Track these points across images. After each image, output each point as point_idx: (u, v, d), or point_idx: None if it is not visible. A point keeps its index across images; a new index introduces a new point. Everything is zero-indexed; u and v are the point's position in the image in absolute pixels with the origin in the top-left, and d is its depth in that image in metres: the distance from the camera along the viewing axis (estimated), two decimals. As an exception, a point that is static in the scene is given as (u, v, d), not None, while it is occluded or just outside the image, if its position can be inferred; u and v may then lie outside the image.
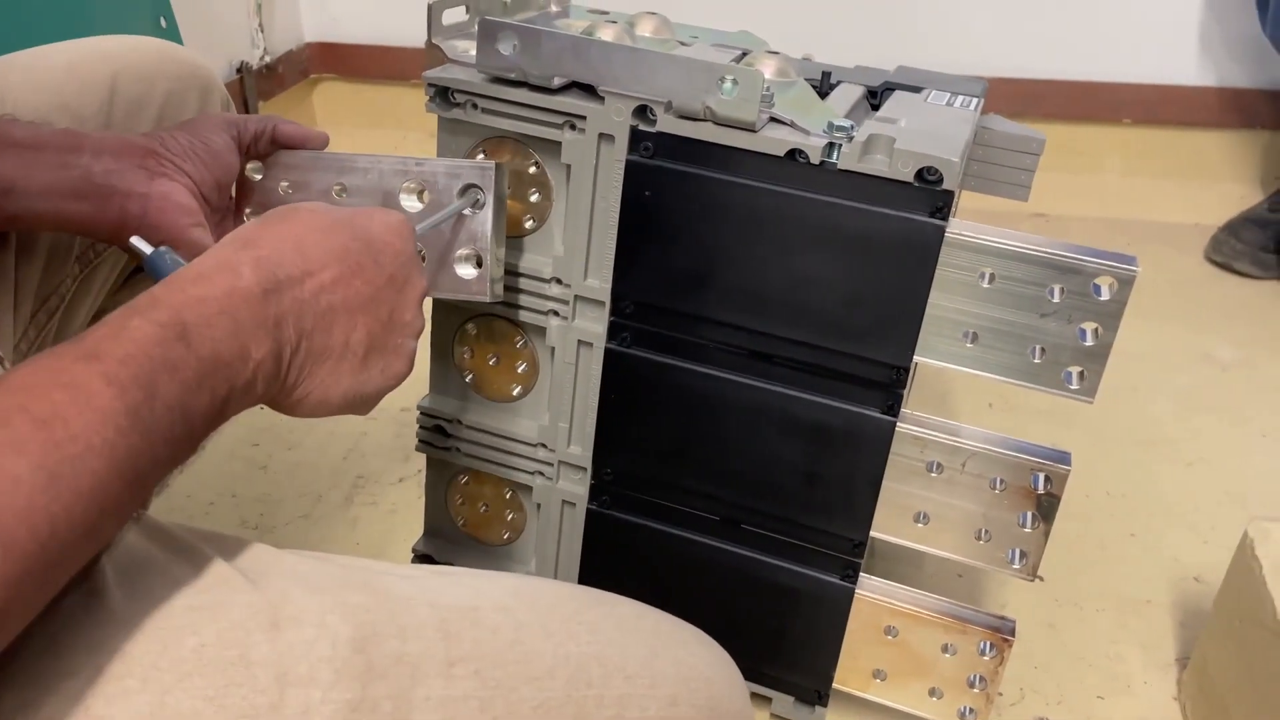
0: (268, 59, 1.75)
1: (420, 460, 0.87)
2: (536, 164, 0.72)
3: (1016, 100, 1.74)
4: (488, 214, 0.66)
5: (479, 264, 0.68)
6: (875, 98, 0.79)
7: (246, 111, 1.61)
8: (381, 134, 1.87)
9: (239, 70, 1.67)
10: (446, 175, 0.66)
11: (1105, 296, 0.62)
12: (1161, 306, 1.49)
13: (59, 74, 0.69)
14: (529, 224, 0.74)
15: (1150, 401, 1.28)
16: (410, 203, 0.67)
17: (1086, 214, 1.75)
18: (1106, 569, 1.00)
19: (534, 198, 0.73)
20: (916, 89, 0.78)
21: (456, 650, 0.44)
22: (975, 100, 0.77)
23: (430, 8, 0.73)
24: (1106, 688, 0.87)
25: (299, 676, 0.39)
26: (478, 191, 0.66)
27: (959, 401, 1.23)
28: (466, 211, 0.66)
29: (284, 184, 0.70)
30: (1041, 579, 0.98)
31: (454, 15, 0.75)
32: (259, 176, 0.70)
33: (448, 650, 0.43)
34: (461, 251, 0.68)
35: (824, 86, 0.78)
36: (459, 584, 0.49)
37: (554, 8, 0.87)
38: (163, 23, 1.13)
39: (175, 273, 0.43)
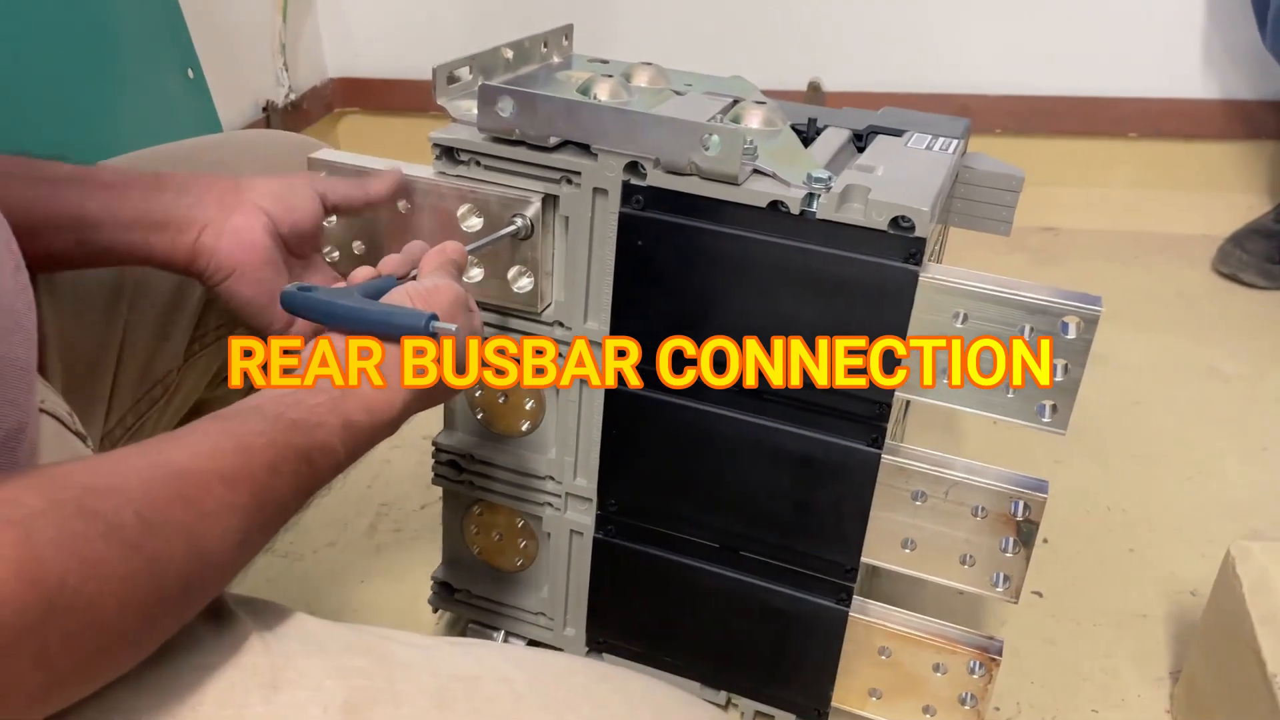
0: (293, 96, 1.81)
1: (440, 489, 0.92)
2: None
3: (1023, 117, 1.76)
4: (536, 239, 0.74)
5: (531, 282, 0.76)
6: (861, 141, 0.82)
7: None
8: (405, 163, 1.93)
9: (265, 109, 1.73)
10: (499, 203, 0.74)
11: (1072, 335, 0.65)
12: (1167, 319, 1.52)
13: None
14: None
15: (1153, 415, 1.30)
16: (469, 223, 0.75)
17: (1095, 227, 1.78)
18: (1104, 584, 1.03)
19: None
20: (899, 132, 0.81)
21: (448, 717, 0.45)
22: (955, 142, 0.80)
23: (435, 71, 0.77)
24: (1101, 701, 0.90)
25: None
26: (525, 219, 0.73)
27: (965, 420, 1.26)
28: (520, 239, 0.74)
29: None
30: (1039, 595, 1.01)
31: (459, 74, 0.80)
32: (330, 224, 0.78)
33: (439, 717, 0.44)
34: (515, 269, 0.75)
35: (810, 132, 0.82)
36: (468, 654, 0.50)
37: (555, 59, 0.92)
38: (190, 74, 1.19)
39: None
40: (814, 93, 1.82)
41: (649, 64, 0.87)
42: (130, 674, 0.41)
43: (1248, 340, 1.47)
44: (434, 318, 0.57)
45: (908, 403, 0.92)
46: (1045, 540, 1.08)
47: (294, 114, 1.81)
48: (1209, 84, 1.71)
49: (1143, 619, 0.99)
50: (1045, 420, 0.68)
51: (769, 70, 1.81)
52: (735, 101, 0.83)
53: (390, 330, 0.58)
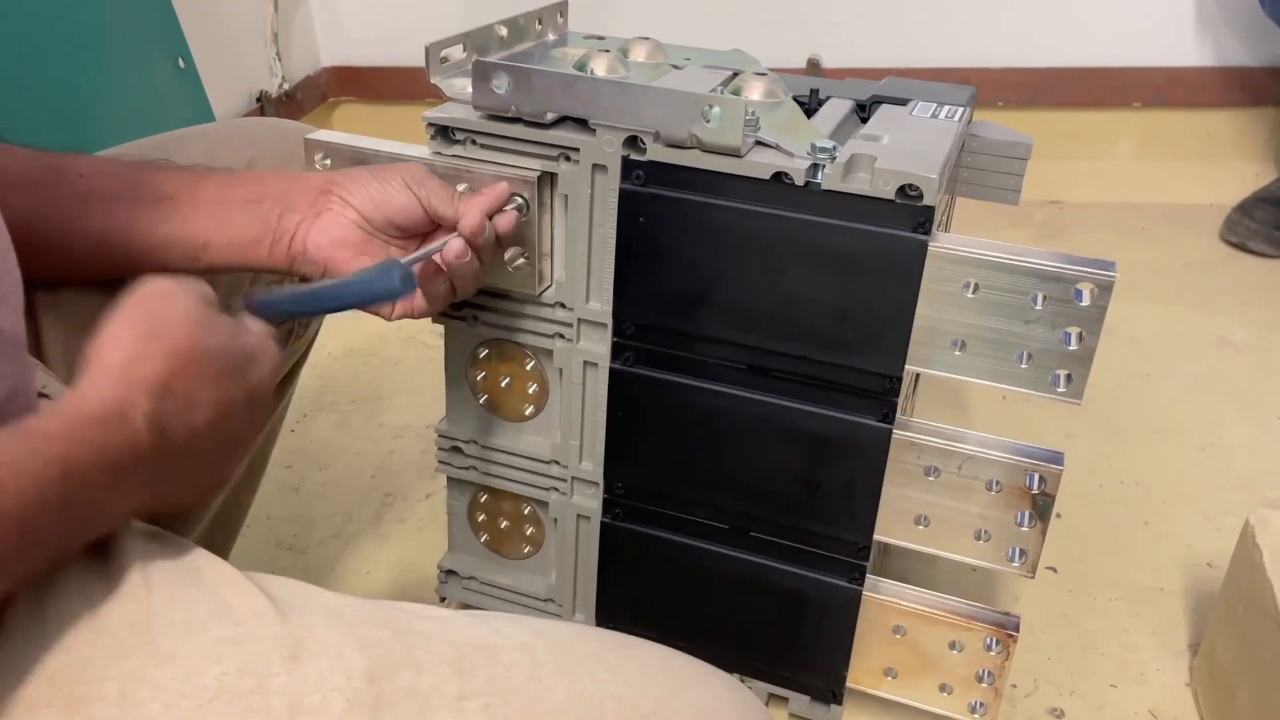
0: (286, 86, 1.79)
1: (445, 477, 0.91)
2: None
3: (1026, 90, 1.74)
4: (533, 219, 0.72)
5: (528, 262, 0.74)
6: (864, 111, 0.81)
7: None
8: (400, 144, 1.92)
9: (259, 99, 1.71)
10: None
11: (1086, 302, 0.64)
12: (1176, 290, 1.50)
13: (196, 158, 0.73)
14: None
15: (1164, 387, 1.29)
16: None
17: (1100, 199, 1.76)
18: (1119, 558, 1.02)
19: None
20: (903, 101, 0.80)
21: (469, 685, 0.45)
22: (961, 110, 0.78)
23: (428, 49, 0.76)
24: (1119, 676, 0.89)
25: (312, 706, 0.42)
26: (522, 199, 0.71)
27: (973, 395, 1.25)
28: (516, 215, 0.71)
29: None
30: (1054, 570, 1.00)
31: (453, 53, 0.78)
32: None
33: (460, 684, 0.44)
34: (513, 250, 0.74)
35: (813, 103, 0.80)
36: (484, 624, 0.50)
37: (551, 36, 0.90)
38: (181, 63, 1.17)
39: (75, 403, 0.43)
40: (813, 70, 1.80)
41: (646, 39, 0.85)
42: (153, 647, 0.42)
43: (1258, 309, 1.45)
44: (399, 266, 0.59)
45: (917, 376, 0.90)
46: (1059, 515, 1.06)
47: (288, 104, 1.79)
48: (1211, 52, 1.69)
49: (1159, 592, 0.97)
50: (1060, 390, 0.67)
51: (767, 48, 1.77)
52: (735, 74, 0.81)
53: (367, 297, 0.59)
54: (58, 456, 0.41)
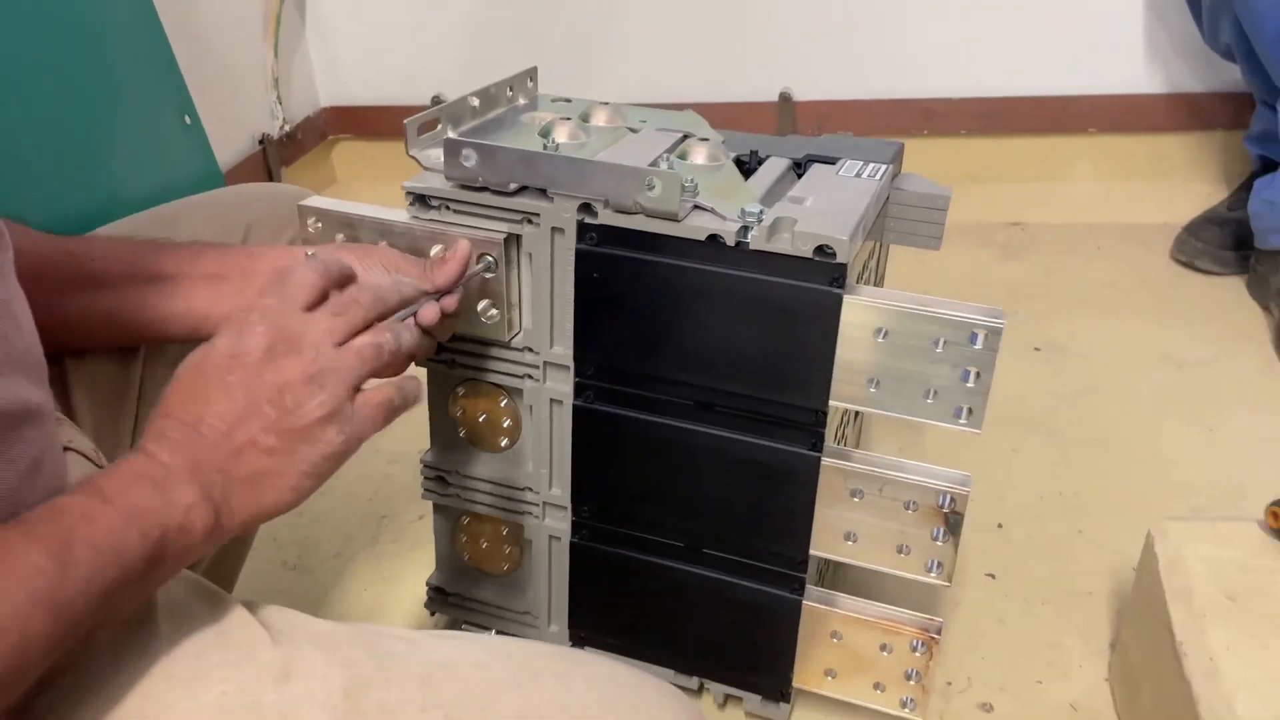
0: (287, 127, 1.89)
1: (430, 504, 1.00)
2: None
3: (988, 118, 1.83)
4: (502, 275, 0.81)
5: (498, 313, 0.83)
6: (800, 168, 0.90)
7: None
8: (397, 185, 2.01)
9: (261, 142, 1.81)
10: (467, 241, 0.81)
11: (980, 346, 0.73)
12: (1129, 307, 1.59)
13: (198, 225, 0.81)
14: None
15: (1108, 402, 1.37)
16: None
17: (1059, 220, 1.85)
18: (1054, 565, 1.10)
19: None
20: (833, 160, 0.89)
21: (432, 698, 0.53)
22: (884, 167, 0.87)
23: (406, 125, 0.85)
24: (1045, 673, 0.97)
25: (299, 719, 0.51)
26: (491, 258, 0.80)
27: (930, 413, 1.33)
28: (487, 274, 0.81)
29: (340, 236, 0.84)
30: (993, 577, 1.09)
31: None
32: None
33: (424, 697, 0.53)
34: (484, 303, 0.82)
35: (753, 163, 0.90)
36: (450, 643, 0.59)
37: (521, 101, 0.99)
38: (187, 120, 1.26)
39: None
40: (784, 103, 1.89)
41: (606, 104, 0.94)
42: (165, 671, 0.51)
43: (1202, 326, 1.53)
44: None
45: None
46: (1000, 525, 1.15)
47: (289, 145, 1.89)
48: (1161, 79, 1.78)
49: (1088, 596, 1.06)
50: (962, 421, 0.76)
51: (742, 83, 1.89)
52: (685, 137, 0.91)
53: None
54: (89, 487, 0.48)
